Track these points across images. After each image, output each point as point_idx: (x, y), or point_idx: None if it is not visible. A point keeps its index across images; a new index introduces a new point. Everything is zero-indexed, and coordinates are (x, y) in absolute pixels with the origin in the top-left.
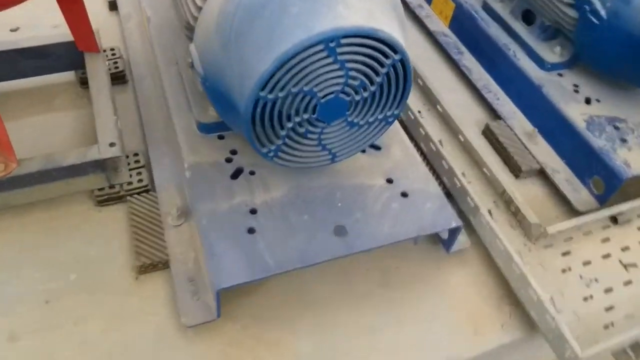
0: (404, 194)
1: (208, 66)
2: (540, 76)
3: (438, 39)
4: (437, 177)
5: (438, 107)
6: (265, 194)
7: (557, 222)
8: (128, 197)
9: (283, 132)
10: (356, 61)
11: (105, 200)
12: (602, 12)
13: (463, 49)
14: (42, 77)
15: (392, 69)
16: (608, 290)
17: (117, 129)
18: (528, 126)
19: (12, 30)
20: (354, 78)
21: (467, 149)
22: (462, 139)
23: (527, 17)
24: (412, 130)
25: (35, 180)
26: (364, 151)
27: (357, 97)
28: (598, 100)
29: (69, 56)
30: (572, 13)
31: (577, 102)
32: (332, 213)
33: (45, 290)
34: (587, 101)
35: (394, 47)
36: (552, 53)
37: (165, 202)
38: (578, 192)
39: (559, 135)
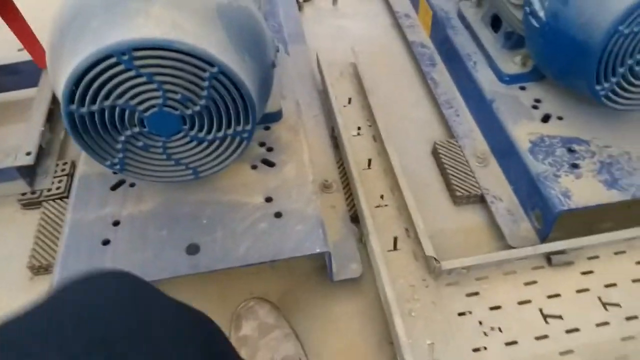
0: (278, 214)
1: None
2: (495, 90)
3: (414, 50)
4: (352, 200)
5: (379, 124)
6: (135, 207)
7: None
8: (44, 203)
9: (118, 146)
10: (167, 74)
11: (27, 204)
12: (541, 14)
13: (437, 60)
14: (19, 91)
15: (216, 83)
16: (511, 343)
17: (38, 139)
18: (483, 146)
19: None
20: (173, 92)
21: (392, 170)
22: (390, 159)
23: (495, 24)
24: (340, 147)
25: None
26: (255, 167)
27: (188, 111)
28: (560, 118)
29: (36, 73)
30: (520, 15)
31: (531, 119)
32: (192, 230)
33: None
34: (545, 119)
35: (206, 60)
36: (512, 63)
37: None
38: (517, 225)
39: (506, 157)
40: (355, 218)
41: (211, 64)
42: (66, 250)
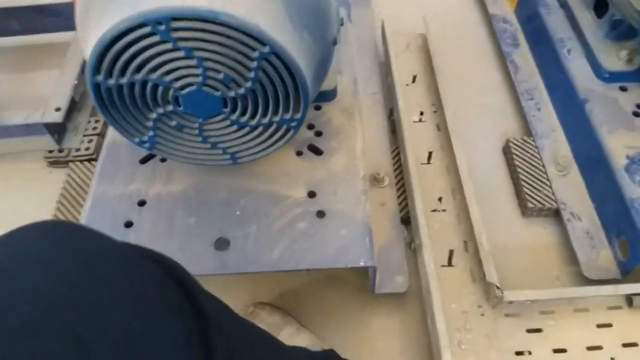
0: (320, 214)
1: None
2: (590, 87)
3: (494, 25)
4: (405, 198)
5: (446, 111)
6: (164, 186)
7: (556, 285)
8: (70, 163)
9: (149, 123)
10: (209, 50)
11: (53, 162)
12: None
13: (521, 40)
14: (58, 34)
15: (266, 64)
16: None
17: (70, 92)
18: (565, 151)
19: None
20: (215, 70)
21: (455, 168)
22: (455, 155)
23: (600, 8)
24: (398, 134)
25: None
26: (300, 153)
27: (231, 94)
28: None
29: None
30: (637, 1)
31: (631, 129)
32: (224, 221)
33: None
34: None
35: (257, 37)
36: (616, 58)
37: None
38: (596, 251)
39: (594, 170)
40: (407, 219)
41: (262, 43)
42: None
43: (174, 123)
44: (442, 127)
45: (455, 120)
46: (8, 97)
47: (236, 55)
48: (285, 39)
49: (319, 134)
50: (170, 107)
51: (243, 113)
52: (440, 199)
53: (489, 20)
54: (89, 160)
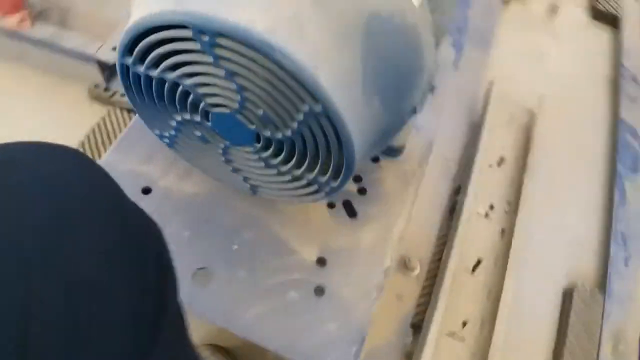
0: (320, 291)
1: None
2: None
3: (618, 134)
4: (428, 299)
5: (520, 217)
6: (177, 181)
7: None
8: (110, 106)
9: (173, 123)
10: (254, 82)
11: (95, 97)
12: None
13: None
14: None
15: (314, 122)
16: None
17: None
18: (633, 332)
19: None
20: (255, 104)
21: (498, 293)
22: (504, 278)
23: None
24: (453, 223)
25: (44, 46)
26: (332, 206)
27: (267, 133)
28: None
29: None
30: None
31: None
32: (217, 250)
33: None
34: None
35: (311, 91)
36: None
37: None
38: None
39: None
40: (418, 325)
41: (316, 99)
42: None
43: (198, 133)
44: (507, 233)
45: (526, 233)
46: (81, 12)
47: (283, 99)
48: (347, 102)
49: (362, 191)
50: (197, 118)
51: (275, 156)
52: (464, 324)
53: (615, 124)
54: (128, 111)
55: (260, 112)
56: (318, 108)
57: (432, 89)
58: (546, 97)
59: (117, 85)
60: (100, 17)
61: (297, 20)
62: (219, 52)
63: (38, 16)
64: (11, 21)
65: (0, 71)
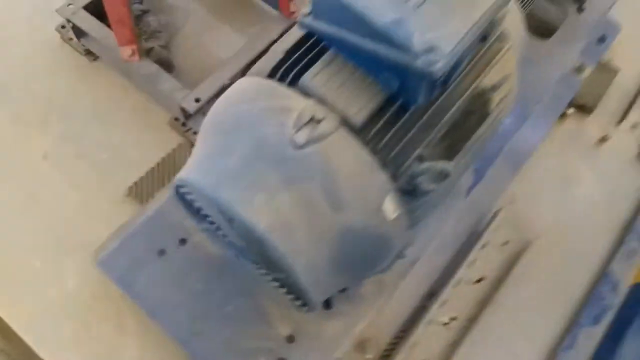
0: None
1: None
2: None
3: None
4: None
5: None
6: (206, 240)
7: None
8: (183, 140)
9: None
10: (255, 249)
11: (174, 127)
12: None
13: None
14: None
15: (286, 283)
16: None
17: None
18: None
19: None
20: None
21: None
22: None
23: None
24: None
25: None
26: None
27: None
28: None
29: None
30: None
31: None
32: (214, 307)
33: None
34: None
35: (286, 269)
36: None
37: None
38: None
39: None
40: None
41: (288, 274)
42: (131, 235)
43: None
44: (457, 345)
45: (474, 351)
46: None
47: (271, 264)
48: (314, 280)
49: (343, 289)
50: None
51: (268, 274)
52: None
53: (601, 271)
54: None
55: (250, 256)
56: (289, 280)
57: (402, 257)
58: (552, 225)
59: (193, 123)
60: (200, 60)
61: (290, 225)
62: (235, 227)
63: (148, 52)
64: (125, 52)
65: (109, 78)
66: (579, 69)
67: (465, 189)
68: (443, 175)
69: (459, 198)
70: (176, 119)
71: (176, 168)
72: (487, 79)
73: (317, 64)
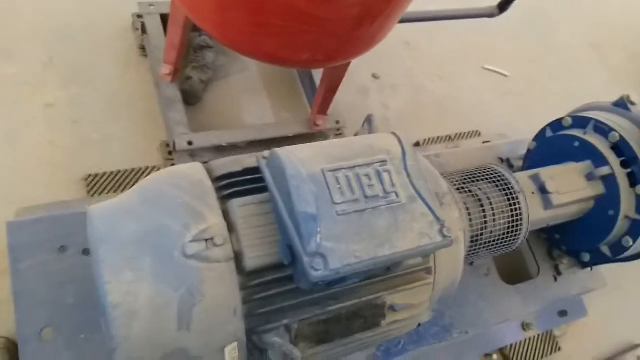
0: None
1: None
2: None
3: None
4: None
5: None
6: None
7: None
8: (164, 163)
9: None
10: None
11: (161, 151)
12: None
13: None
14: None
15: None
16: None
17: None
18: None
19: None
20: None
21: None
22: None
23: None
24: None
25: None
26: None
27: None
28: None
29: None
30: None
31: None
32: (65, 327)
33: None
34: None
35: None
36: None
37: None
38: None
39: None
40: None
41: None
42: (49, 218)
43: None
44: None
45: None
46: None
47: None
48: None
49: None
50: None
51: None
52: None
53: None
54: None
55: None
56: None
57: None
58: None
59: (176, 159)
60: (224, 110)
61: (134, 314)
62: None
63: (187, 78)
64: (163, 69)
65: (143, 78)
66: (526, 326)
67: None
68: (288, 357)
69: None
70: (167, 145)
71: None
72: (389, 299)
73: (252, 197)
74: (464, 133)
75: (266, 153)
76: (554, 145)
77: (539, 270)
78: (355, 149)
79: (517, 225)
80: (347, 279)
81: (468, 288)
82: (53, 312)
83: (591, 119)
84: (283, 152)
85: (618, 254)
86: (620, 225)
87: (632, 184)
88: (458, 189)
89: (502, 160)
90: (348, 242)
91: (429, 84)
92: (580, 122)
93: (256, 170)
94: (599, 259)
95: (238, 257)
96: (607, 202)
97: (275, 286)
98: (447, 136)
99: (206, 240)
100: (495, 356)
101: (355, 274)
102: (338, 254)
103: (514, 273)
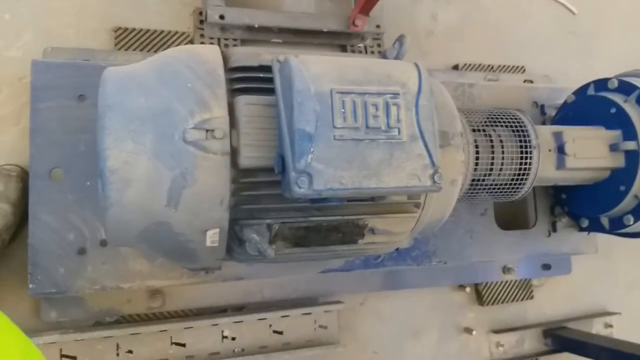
0: None
1: None
2: None
3: None
4: None
5: None
6: None
7: None
8: None
9: None
10: None
11: None
12: None
13: None
14: None
15: None
16: None
17: None
18: None
19: None
20: None
21: None
22: None
23: None
24: None
25: None
26: None
27: None
28: None
29: None
30: None
31: None
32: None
33: None
34: None
35: None
36: None
37: None
38: None
39: None
40: None
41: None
42: (74, 65)
43: None
44: None
45: None
46: None
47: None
48: (116, 231)
49: None
50: None
51: None
52: None
53: None
54: None
55: None
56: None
57: (210, 272)
58: None
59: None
60: None
61: (129, 182)
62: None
63: None
64: None
65: None
66: (507, 270)
67: None
68: (262, 254)
69: None
70: (200, 14)
71: (159, 49)
72: (372, 222)
73: (261, 97)
74: (508, 66)
75: (282, 57)
76: (592, 105)
77: (535, 222)
78: (372, 74)
79: (522, 179)
80: (329, 201)
81: (459, 222)
82: (65, 155)
83: (638, 87)
84: (296, 63)
85: (616, 228)
86: (627, 202)
87: None
88: (476, 130)
89: (536, 104)
90: (337, 168)
91: (488, 3)
92: (626, 87)
93: (267, 69)
94: (596, 228)
95: (235, 153)
96: (622, 176)
97: (264, 187)
98: (489, 65)
99: (207, 130)
100: (468, 289)
101: (338, 198)
102: (324, 177)
103: (511, 219)
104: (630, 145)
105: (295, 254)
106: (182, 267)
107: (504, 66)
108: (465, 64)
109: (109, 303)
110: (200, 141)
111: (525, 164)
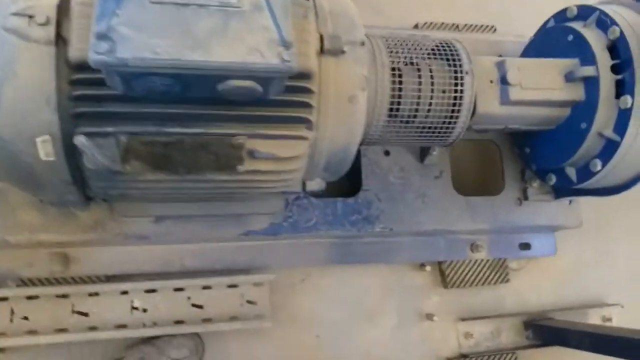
0: None
1: None
2: None
3: None
4: None
5: None
6: None
7: None
8: None
9: None
10: None
11: None
12: None
13: None
14: None
15: None
16: None
17: None
18: None
19: None
20: None
21: None
22: None
23: None
24: None
25: None
26: None
27: None
28: None
29: None
30: None
31: None
32: None
33: None
34: None
35: None
36: None
37: None
38: None
39: None
40: None
41: None
42: None
43: None
44: None
45: None
46: None
47: None
48: None
49: None
50: None
51: None
52: None
53: None
54: None
55: None
56: None
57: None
58: None
59: None
60: None
61: None
62: None
63: None
64: None
65: None
66: (474, 248)
67: None
68: (106, 169)
69: None
70: None
71: None
72: (249, 143)
73: None
74: (476, 25)
75: None
76: (550, 38)
77: (503, 188)
78: None
79: (456, 110)
80: (147, 80)
81: (409, 185)
82: None
83: (597, 9)
84: None
85: (584, 179)
86: (591, 143)
87: (618, 95)
88: (407, 63)
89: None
90: (151, 35)
91: None
92: (585, 12)
93: None
94: (564, 182)
95: (65, 44)
96: (582, 112)
97: (102, 87)
98: (454, 24)
99: (29, 16)
100: (428, 267)
101: (157, 76)
102: (132, 44)
103: (475, 185)
104: (587, 71)
105: (162, 183)
106: (37, 197)
107: (472, 25)
108: (426, 23)
109: (8, 265)
110: (21, 28)
111: (457, 91)
